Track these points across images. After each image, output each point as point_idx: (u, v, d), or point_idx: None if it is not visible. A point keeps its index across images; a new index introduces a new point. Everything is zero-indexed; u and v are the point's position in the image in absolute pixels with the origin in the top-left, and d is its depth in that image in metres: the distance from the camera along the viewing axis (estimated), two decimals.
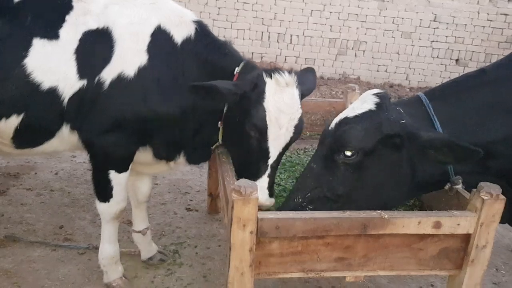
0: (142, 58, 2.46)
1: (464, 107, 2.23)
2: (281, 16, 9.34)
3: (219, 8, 9.18)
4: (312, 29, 9.50)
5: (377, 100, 2.21)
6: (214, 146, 2.81)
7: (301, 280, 3.22)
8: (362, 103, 2.25)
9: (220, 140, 2.69)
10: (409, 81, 9.92)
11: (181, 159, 2.80)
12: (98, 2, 2.50)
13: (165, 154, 2.75)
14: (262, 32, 9.40)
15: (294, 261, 2.10)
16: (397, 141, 2.11)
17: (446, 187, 2.28)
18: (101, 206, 2.72)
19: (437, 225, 2.09)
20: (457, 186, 2.24)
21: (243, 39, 9.31)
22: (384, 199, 2.23)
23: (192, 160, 2.84)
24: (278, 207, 2.37)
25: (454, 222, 2.09)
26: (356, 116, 2.20)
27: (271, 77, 2.42)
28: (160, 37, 2.51)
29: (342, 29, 9.52)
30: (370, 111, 2.19)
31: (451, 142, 2.03)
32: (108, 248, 2.86)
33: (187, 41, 2.57)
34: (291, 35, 9.50)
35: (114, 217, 2.76)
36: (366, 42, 9.65)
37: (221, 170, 2.57)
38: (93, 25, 2.45)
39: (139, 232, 3.18)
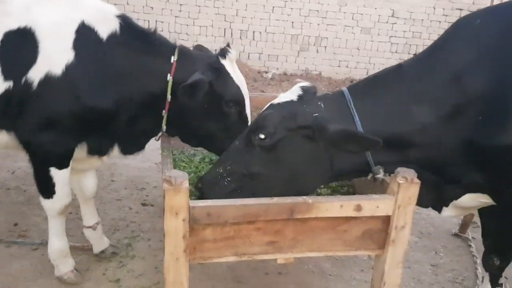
0: (68, 56, 2.51)
1: (382, 101, 2.39)
2: (243, 12, 9.47)
3: (180, 5, 9.25)
4: (274, 26, 9.68)
5: (300, 92, 2.38)
6: (159, 135, 2.91)
7: (249, 267, 3.37)
8: (290, 94, 2.41)
9: (164, 128, 2.79)
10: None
11: (115, 152, 2.86)
12: (18, 3, 2.54)
13: (99, 149, 2.81)
14: (224, 29, 9.53)
15: (228, 245, 2.23)
16: (309, 132, 2.28)
17: (369, 177, 2.46)
18: (45, 203, 2.80)
19: (358, 208, 2.25)
20: (378, 176, 2.40)
21: (206, 35, 9.42)
22: (301, 184, 2.38)
23: (127, 151, 2.91)
24: (202, 176, 2.52)
25: (374, 205, 2.27)
26: (277, 104, 2.38)
27: (225, 58, 2.70)
28: (84, 34, 2.56)
29: (304, 25, 9.74)
30: (291, 101, 2.36)
31: (352, 134, 2.23)
32: (56, 242, 2.94)
33: (113, 35, 2.62)
34: (253, 32, 9.66)
35: (60, 213, 2.84)
36: (327, 38, 9.89)
37: (162, 163, 2.68)
38: (14, 26, 2.49)
39: (90, 227, 3.26)
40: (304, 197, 2.22)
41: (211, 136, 2.80)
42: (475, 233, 4.22)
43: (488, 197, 2.50)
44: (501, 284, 2.87)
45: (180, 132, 2.88)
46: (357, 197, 2.29)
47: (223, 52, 2.74)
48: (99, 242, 3.33)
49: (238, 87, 2.73)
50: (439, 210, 2.70)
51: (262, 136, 2.28)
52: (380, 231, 2.37)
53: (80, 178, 3.11)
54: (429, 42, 9.88)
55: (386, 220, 2.34)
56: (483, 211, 2.73)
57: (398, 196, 2.26)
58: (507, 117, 2.28)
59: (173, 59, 2.68)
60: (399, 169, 2.29)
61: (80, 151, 2.76)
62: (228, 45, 2.82)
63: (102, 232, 3.38)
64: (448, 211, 2.66)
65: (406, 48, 10.14)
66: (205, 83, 2.56)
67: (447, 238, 4.18)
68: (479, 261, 3.71)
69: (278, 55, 9.94)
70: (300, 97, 2.37)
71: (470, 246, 4.01)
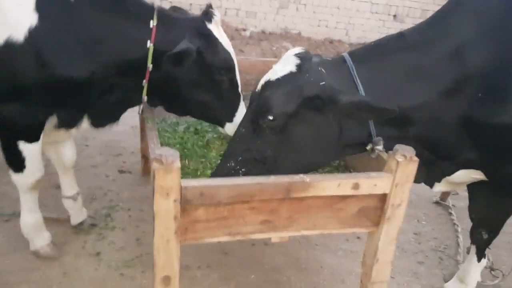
0: (31, 19, 2.22)
1: (384, 71, 2.27)
2: None
3: None
4: None
5: (297, 61, 2.20)
6: (140, 107, 2.70)
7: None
8: (284, 65, 2.24)
9: (145, 98, 2.59)
10: (349, 37, 10.04)
11: (85, 124, 2.62)
12: None
13: (69, 121, 2.56)
14: None
15: (221, 226, 2.12)
16: (319, 103, 2.15)
17: (368, 147, 2.36)
18: (15, 177, 2.61)
19: (356, 186, 2.17)
20: (378, 147, 2.31)
21: None
22: (312, 160, 2.30)
23: (99, 123, 2.67)
24: (212, 172, 2.38)
25: (372, 183, 2.19)
26: (277, 80, 2.19)
27: (211, 21, 2.49)
28: None
29: None
30: (291, 73, 2.18)
31: (367, 105, 2.10)
32: (28, 217, 2.77)
33: None
34: None
35: (31, 188, 2.65)
36: None
37: (147, 136, 2.50)
38: None
39: (70, 197, 3.09)
40: (301, 175, 2.12)
41: (201, 105, 2.63)
42: (454, 201, 4.28)
43: (481, 173, 2.48)
44: (485, 254, 2.91)
45: (165, 103, 2.69)
46: (355, 175, 2.21)
47: (209, 16, 2.53)
48: (78, 213, 3.18)
49: (229, 54, 2.56)
50: (431, 185, 2.67)
51: (271, 118, 2.12)
52: (376, 208, 2.31)
53: (57, 148, 2.90)
54: (409, 3, 9.69)
55: (383, 198, 2.27)
56: (472, 185, 2.71)
57: (396, 174, 2.19)
58: (507, 95, 2.22)
59: (153, 23, 2.44)
60: (397, 146, 2.20)
61: (48, 124, 2.52)
62: (210, 6, 2.61)
63: (82, 202, 3.21)
64: (439, 187, 2.64)
65: (386, 8, 9.93)
66: (193, 52, 2.37)
67: (429, 206, 4.22)
68: (459, 229, 3.78)
69: (257, 12, 9.57)
70: (299, 66, 2.20)
71: (450, 214, 4.06)
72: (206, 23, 2.51)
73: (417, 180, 2.55)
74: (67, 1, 2.31)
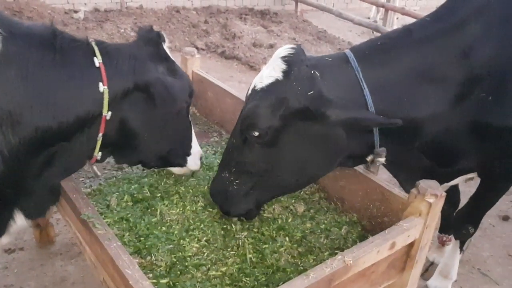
0: None
1: (393, 72, 1.97)
2: None
3: None
4: None
5: (284, 66, 1.88)
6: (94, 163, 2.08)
7: None
8: (270, 70, 1.91)
9: (99, 155, 1.99)
10: (192, 2, 9.36)
11: (20, 220, 1.89)
12: None
13: None
14: None
15: None
16: (310, 114, 1.84)
17: (369, 158, 2.09)
18: None
19: (392, 246, 1.84)
20: (380, 159, 2.06)
21: None
22: (313, 172, 2.07)
23: (38, 211, 1.99)
24: (210, 186, 2.18)
25: (405, 236, 1.87)
26: (261, 90, 1.91)
27: (164, 41, 2.11)
28: None
29: None
30: (277, 81, 1.88)
31: (362, 120, 1.87)
32: None
33: None
34: None
35: None
36: None
37: (105, 252, 1.72)
38: None
39: None
40: (341, 258, 1.68)
41: (164, 144, 2.16)
42: None
43: (475, 174, 2.39)
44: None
45: (120, 153, 2.13)
46: (390, 234, 1.83)
47: (160, 37, 2.08)
48: None
49: (188, 76, 2.22)
50: None
51: (256, 134, 1.89)
52: (402, 255, 2.01)
53: None
54: None
55: (411, 244, 1.97)
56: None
57: (428, 217, 1.89)
58: None
59: (97, 61, 1.83)
60: (423, 183, 1.91)
61: None
62: (151, 28, 2.11)
63: None
64: None
65: None
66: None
67: None
68: None
69: None
70: (285, 73, 1.87)
71: None
72: (163, 44, 2.09)
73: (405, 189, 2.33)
74: None
